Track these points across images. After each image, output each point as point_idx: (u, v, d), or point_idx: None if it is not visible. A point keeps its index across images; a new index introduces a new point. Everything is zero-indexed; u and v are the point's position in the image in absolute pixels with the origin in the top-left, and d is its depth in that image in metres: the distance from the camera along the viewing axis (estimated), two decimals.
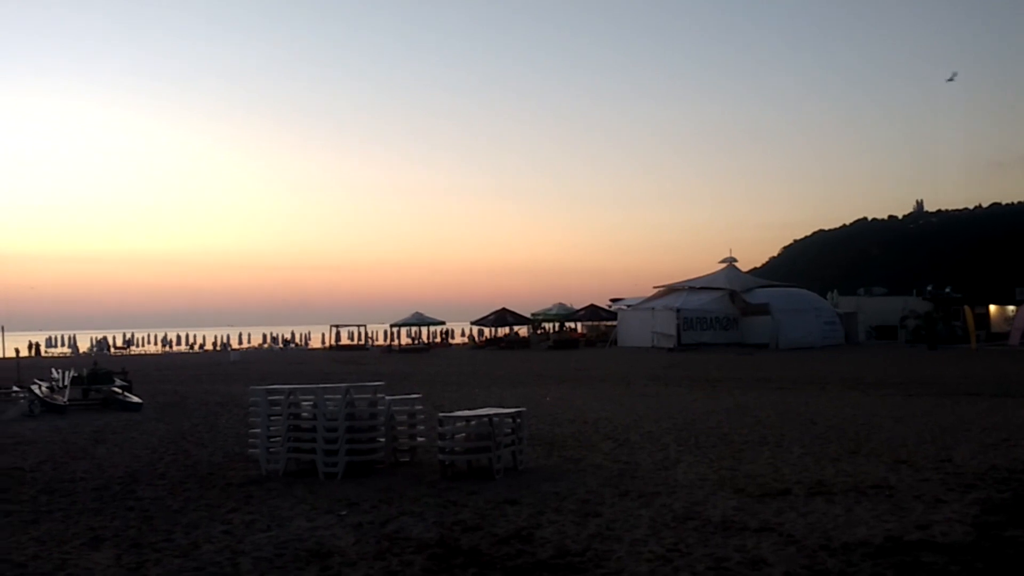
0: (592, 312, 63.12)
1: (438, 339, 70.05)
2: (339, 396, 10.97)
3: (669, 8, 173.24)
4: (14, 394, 21.52)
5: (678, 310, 49.34)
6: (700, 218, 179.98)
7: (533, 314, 65.38)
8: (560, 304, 65.72)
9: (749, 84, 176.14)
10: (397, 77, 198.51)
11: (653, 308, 52.14)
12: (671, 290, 55.57)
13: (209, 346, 74.32)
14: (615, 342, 53.12)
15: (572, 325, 65.21)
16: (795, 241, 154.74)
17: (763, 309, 49.96)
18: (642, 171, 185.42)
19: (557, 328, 64.56)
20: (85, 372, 22.56)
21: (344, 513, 8.40)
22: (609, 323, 60.03)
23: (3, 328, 31.06)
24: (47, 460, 12.34)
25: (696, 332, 48.88)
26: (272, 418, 11.13)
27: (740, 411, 17.28)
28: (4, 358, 42.34)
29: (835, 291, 64.19)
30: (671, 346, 46.92)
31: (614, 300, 65.25)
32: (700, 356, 40.70)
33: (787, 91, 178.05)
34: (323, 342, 73.23)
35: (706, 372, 30.14)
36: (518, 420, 10.95)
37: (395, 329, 66.65)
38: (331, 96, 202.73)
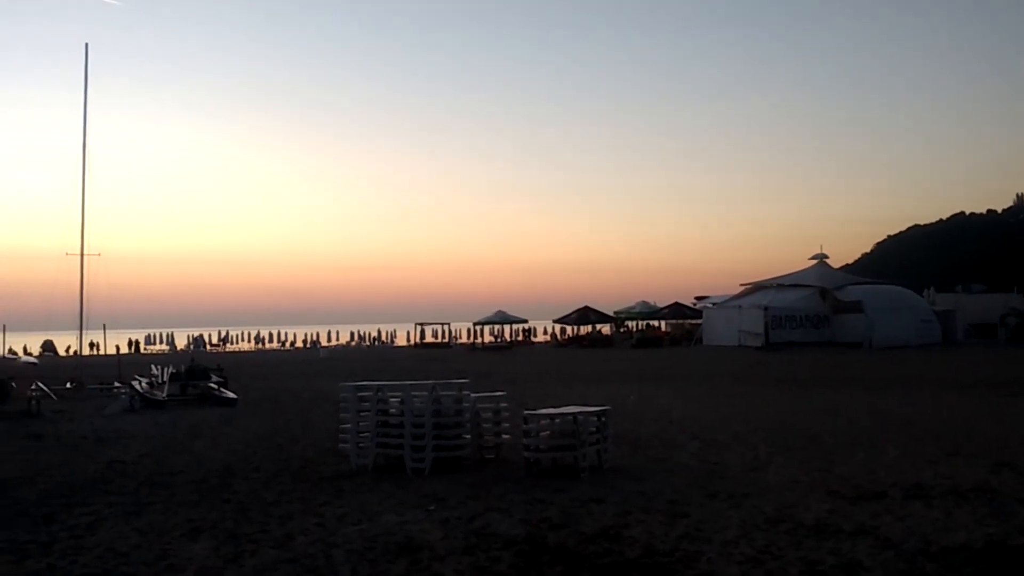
0: (676, 310, 62.37)
1: (520, 337, 70.31)
2: (426, 393, 11.12)
3: None
4: (116, 390, 22.52)
5: (766, 308, 48.32)
6: (789, 213, 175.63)
7: (616, 312, 65.01)
8: (643, 302, 65.17)
9: (841, 74, 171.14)
10: (473, 75, 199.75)
11: (740, 306, 51.22)
12: (758, 287, 54.49)
13: (299, 343, 76.24)
14: (700, 341, 52.34)
15: (656, 323, 64.60)
16: (889, 237, 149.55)
17: (856, 307, 48.51)
18: (728, 166, 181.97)
19: (640, 326, 64.04)
20: (183, 369, 23.43)
21: (432, 508, 8.50)
22: (694, 321, 59.17)
23: (105, 326, 32.47)
24: (148, 454, 12.85)
25: (785, 331, 47.79)
26: (361, 414, 11.36)
27: (832, 412, 16.83)
28: (106, 355, 44.22)
29: (932, 288, 61.82)
30: (759, 345, 45.97)
31: (699, 298, 64.32)
32: (789, 355, 39.77)
33: (881, 81, 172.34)
34: (408, 340, 74.37)
35: (795, 372, 29.46)
36: (603, 418, 10.90)
37: (478, 327, 67.19)
38: (413, 97, 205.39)
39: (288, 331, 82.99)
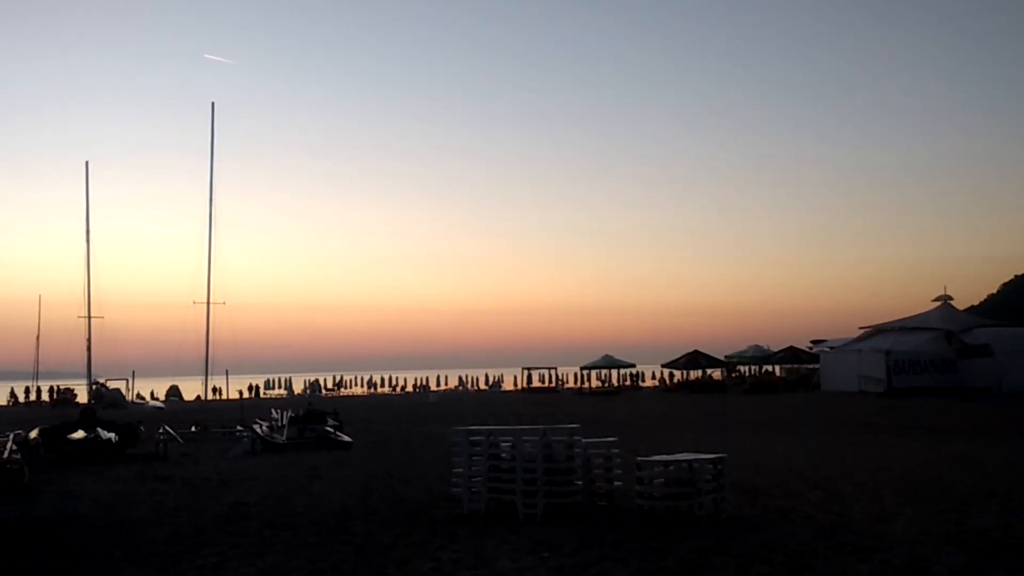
0: (791, 354, 60.50)
1: (628, 382, 69.48)
2: (537, 438, 11.11)
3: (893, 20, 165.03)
4: (238, 433, 23.35)
5: (888, 352, 46.31)
6: (910, 253, 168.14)
7: (727, 356, 63.56)
8: (756, 346, 63.55)
9: (960, 107, 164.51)
10: (581, 123, 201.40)
11: (859, 350, 49.26)
12: (879, 331, 52.34)
13: (409, 388, 77.50)
14: (818, 386, 50.52)
15: (770, 368, 62.81)
16: (1016, 277, 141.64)
17: (984, 351, 45.95)
18: (843, 205, 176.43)
19: (753, 371, 62.38)
20: (301, 413, 24.15)
21: (546, 555, 8.45)
22: (810, 366, 57.22)
23: (227, 371, 33.91)
24: (269, 495, 13.24)
25: (909, 376, 45.63)
26: (473, 459, 11.44)
27: (962, 460, 15.95)
28: (228, 399, 45.98)
29: None
30: (881, 391, 44.01)
31: (815, 342, 62.21)
32: (914, 402, 37.92)
33: (1007, 114, 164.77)
34: (515, 384, 74.54)
35: (921, 419, 28.07)
36: (719, 466, 10.64)
37: (585, 372, 66.79)
38: (521, 145, 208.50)
39: (399, 376, 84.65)
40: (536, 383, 70.56)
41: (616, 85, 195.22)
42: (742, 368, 63.69)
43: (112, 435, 20.02)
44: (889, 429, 24.19)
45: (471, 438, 11.61)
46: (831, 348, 55.96)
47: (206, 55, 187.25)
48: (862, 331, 54.36)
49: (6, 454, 15.38)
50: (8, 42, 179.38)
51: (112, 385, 55.73)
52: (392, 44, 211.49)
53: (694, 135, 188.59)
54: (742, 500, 11.61)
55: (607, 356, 64.77)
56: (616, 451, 12.01)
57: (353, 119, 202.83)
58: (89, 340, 35.02)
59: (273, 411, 25.35)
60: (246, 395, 58.49)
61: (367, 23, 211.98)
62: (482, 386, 79.78)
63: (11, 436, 17.43)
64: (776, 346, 62.32)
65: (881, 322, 53.62)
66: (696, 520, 9.91)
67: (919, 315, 52.69)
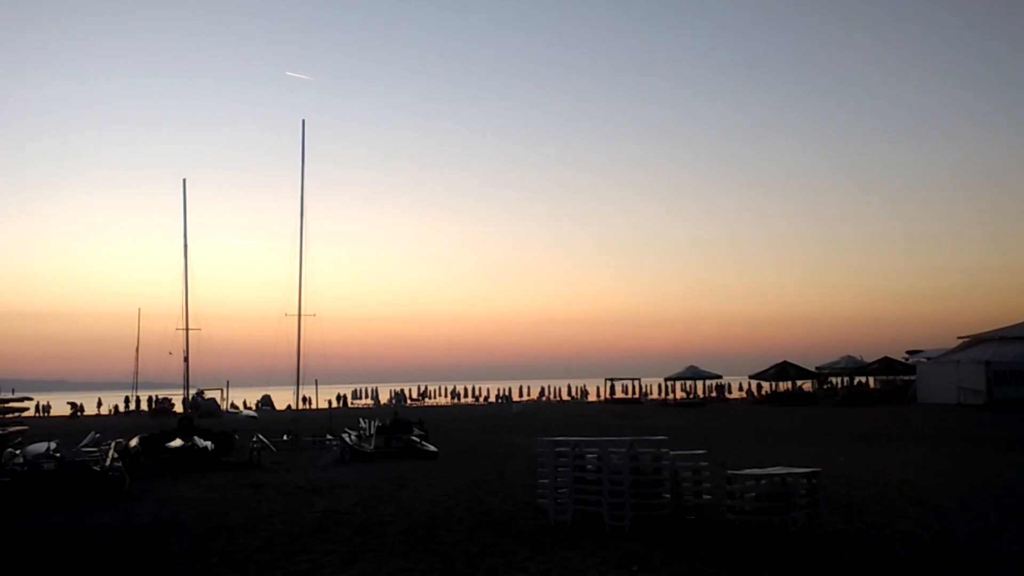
0: (886, 365, 58.46)
1: (714, 393, 68.28)
2: (623, 450, 11.00)
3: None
4: (328, 442, 23.83)
5: (988, 363, 44.43)
6: (1009, 261, 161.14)
7: (818, 367, 61.81)
8: (849, 357, 61.59)
9: None
10: (675, 131, 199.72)
11: (958, 361, 47.41)
12: (978, 340, 50.28)
13: (492, 398, 77.83)
14: (914, 398, 48.77)
15: (863, 379, 60.88)
16: None
17: None
18: (940, 211, 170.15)
19: (846, 383, 60.56)
20: (388, 422, 24.51)
21: (635, 569, 8.35)
22: (906, 377, 55.26)
23: (317, 381, 34.61)
24: (358, 503, 13.46)
25: (1010, 387, 43.63)
26: (559, 469, 11.40)
27: None
28: (318, 409, 46.95)
29: None
30: (981, 403, 42.22)
31: (911, 352, 60.08)
32: (1016, 414, 36.23)
33: None
34: (598, 395, 74.02)
35: None
36: (814, 481, 10.35)
37: (670, 383, 65.93)
38: (604, 156, 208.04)
39: (481, 386, 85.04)
40: (619, 394, 70.00)
41: (700, 96, 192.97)
42: (834, 379, 61.80)
43: (208, 443, 20.68)
44: (990, 442, 23.15)
45: (557, 449, 11.58)
46: (928, 359, 54.02)
47: (287, 72, 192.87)
48: (960, 341, 52.32)
49: (108, 462, 16.01)
50: (112, 68, 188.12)
51: (207, 395, 57.52)
52: (474, 61, 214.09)
53: (780, 143, 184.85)
54: (837, 515, 11.26)
55: (692, 367, 63.75)
56: (705, 464, 11.80)
57: (435, 134, 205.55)
58: (187, 351, 36.19)
59: (361, 421, 25.79)
60: (335, 405, 59.66)
61: (449, 42, 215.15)
62: (564, 397, 79.56)
63: (112, 444, 18.15)
64: (870, 357, 60.31)
65: (980, 332, 51.51)
66: (789, 536, 9.66)
67: (1021, 324, 50.41)
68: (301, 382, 30.55)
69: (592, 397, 75.88)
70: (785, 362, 60.08)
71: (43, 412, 60.48)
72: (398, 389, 79.04)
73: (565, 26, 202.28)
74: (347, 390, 74.13)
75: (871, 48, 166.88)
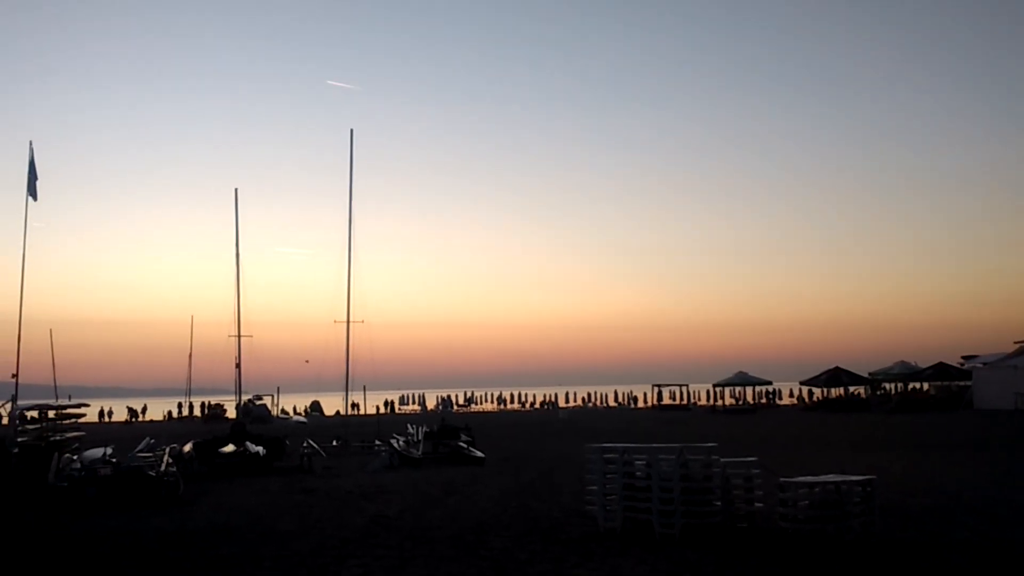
0: (941, 371, 57.18)
1: (764, 400, 67.41)
2: (673, 457, 10.90)
3: None
4: (377, 447, 24.00)
5: None
6: None
7: (871, 373, 60.68)
8: (902, 362, 60.38)
9: None
10: (717, 139, 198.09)
11: (1015, 366, 46.22)
12: None
13: (538, 404, 77.75)
14: (970, 404, 47.65)
15: (917, 385, 59.62)
16: None
17: None
18: (996, 213, 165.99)
19: (900, 389, 59.35)
20: (435, 428, 24.62)
21: None
22: (961, 383, 54.02)
23: (365, 387, 34.92)
24: (408, 509, 13.53)
25: None
26: (607, 476, 11.33)
27: None
28: (366, 415, 47.33)
29: None
30: None
31: (966, 357, 58.63)
32: None
33: None
34: (645, 402, 73.54)
35: None
36: (868, 488, 10.15)
37: (718, 389, 65.24)
38: (653, 163, 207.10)
39: (527, 392, 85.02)
40: (667, 400, 69.48)
41: (746, 100, 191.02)
42: (887, 385, 60.59)
43: (260, 449, 20.96)
44: None
45: (605, 456, 11.51)
46: (984, 364, 52.70)
47: (329, 81, 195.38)
48: (1017, 346, 50.96)
49: (163, 467, 16.31)
50: (165, 83, 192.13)
51: (258, 402, 58.34)
52: (513, 73, 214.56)
53: (831, 148, 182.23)
54: (892, 524, 11.02)
55: (741, 373, 63.06)
56: (756, 471, 11.64)
57: (482, 141, 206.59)
58: (239, 358, 36.77)
59: (409, 426, 25.95)
60: (382, 410, 60.12)
61: (486, 53, 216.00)
62: (611, 403, 79.19)
63: (167, 450, 18.48)
64: (924, 362, 59.05)
65: None
66: (844, 544, 9.48)
67: None
68: (350, 388, 30.87)
69: (640, 403, 75.41)
70: (837, 368, 59.08)
71: (107, 417, 62.24)
72: (444, 395, 79.36)
73: (593, 41, 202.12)
74: (394, 396, 74.67)
75: (921, 50, 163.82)
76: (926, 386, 59.23)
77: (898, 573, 8.29)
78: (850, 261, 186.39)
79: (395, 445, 22.25)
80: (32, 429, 20.90)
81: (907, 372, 58.99)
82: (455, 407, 74.01)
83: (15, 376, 21.42)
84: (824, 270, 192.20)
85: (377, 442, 24.78)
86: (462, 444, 22.97)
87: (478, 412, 68.49)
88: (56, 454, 16.86)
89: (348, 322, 30.01)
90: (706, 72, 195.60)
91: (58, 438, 20.42)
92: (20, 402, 21.52)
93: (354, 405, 50.20)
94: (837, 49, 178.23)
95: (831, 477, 10.64)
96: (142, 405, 66.85)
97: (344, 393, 31.59)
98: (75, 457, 17.48)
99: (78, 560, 10.04)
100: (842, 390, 60.20)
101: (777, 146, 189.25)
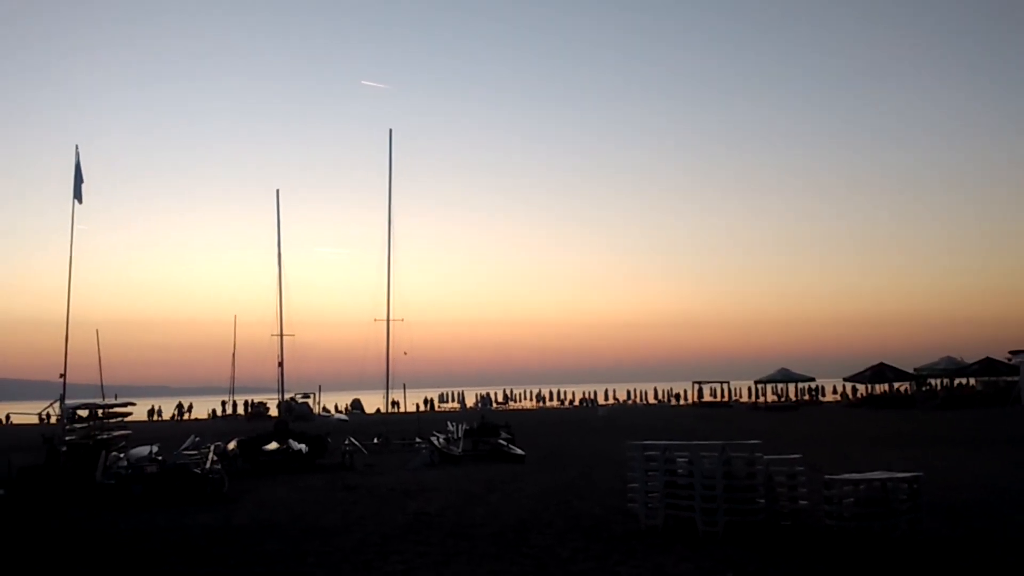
0: (987, 366, 56.02)
1: (807, 396, 66.58)
2: (715, 454, 10.81)
3: None
4: (417, 444, 24.13)
5: None
6: None
7: (916, 369, 59.62)
8: (948, 357, 59.25)
9: None
10: (759, 136, 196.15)
11: None
12: None
13: (577, 402, 77.59)
14: (1018, 399, 46.59)
15: (964, 381, 58.50)
16: None
17: None
18: None
19: (946, 384, 58.29)
20: (475, 426, 24.68)
21: (730, 574, 8.19)
22: (1009, 378, 52.86)
23: (404, 385, 35.09)
24: (449, 506, 13.58)
25: None
26: (649, 474, 11.27)
27: None
28: (406, 412, 47.60)
29: None
30: None
31: (1014, 352, 57.29)
32: None
33: None
34: (685, 399, 73.09)
35: None
36: (915, 486, 9.98)
37: (760, 385, 64.60)
38: (690, 158, 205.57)
39: (567, 389, 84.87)
40: (707, 397, 68.96)
41: (787, 94, 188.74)
42: (933, 381, 59.54)
43: (303, 446, 21.18)
44: None
45: (646, 453, 11.45)
46: None
47: (363, 82, 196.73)
48: None
49: (208, 465, 16.55)
50: (206, 85, 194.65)
51: (300, 399, 58.94)
52: (548, 73, 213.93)
53: (871, 142, 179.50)
54: (940, 521, 10.82)
55: (783, 369, 62.35)
56: (800, 468, 11.49)
57: (519, 139, 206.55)
58: (281, 356, 37.18)
59: (449, 424, 26.04)
60: (422, 408, 60.40)
61: (525, 48, 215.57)
62: (651, 400, 78.76)
63: (212, 447, 18.75)
64: (971, 357, 57.87)
65: None
66: (890, 542, 9.33)
67: None
68: (390, 386, 31.05)
69: (680, 401, 74.92)
70: (882, 364, 58.15)
71: (157, 416, 63.57)
72: (483, 393, 79.49)
73: (631, 38, 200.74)
74: (434, 394, 74.96)
75: (959, 45, 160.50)
76: (972, 381, 58.10)
77: (946, 571, 8.14)
78: (895, 255, 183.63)
79: (435, 443, 22.35)
80: (80, 428, 21.35)
81: (953, 367, 57.86)
82: (494, 405, 74.12)
83: (63, 376, 21.85)
84: (868, 265, 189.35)
85: (418, 439, 24.91)
86: (502, 442, 22.99)
87: (517, 410, 68.52)
88: (103, 452, 17.20)
89: (388, 320, 30.19)
90: (747, 69, 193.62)
91: (105, 436, 20.84)
92: (68, 401, 21.99)
93: (394, 403, 50.67)
94: (877, 41, 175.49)
95: (877, 474, 10.47)
96: (188, 403, 67.95)
97: (384, 391, 31.77)
98: (122, 455, 17.79)
99: (126, 556, 10.22)
100: (887, 386, 59.27)
101: (818, 141, 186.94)
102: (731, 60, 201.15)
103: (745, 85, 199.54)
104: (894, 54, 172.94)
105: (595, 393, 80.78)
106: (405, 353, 30.87)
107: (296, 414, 50.81)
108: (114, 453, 18.10)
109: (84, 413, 22.13)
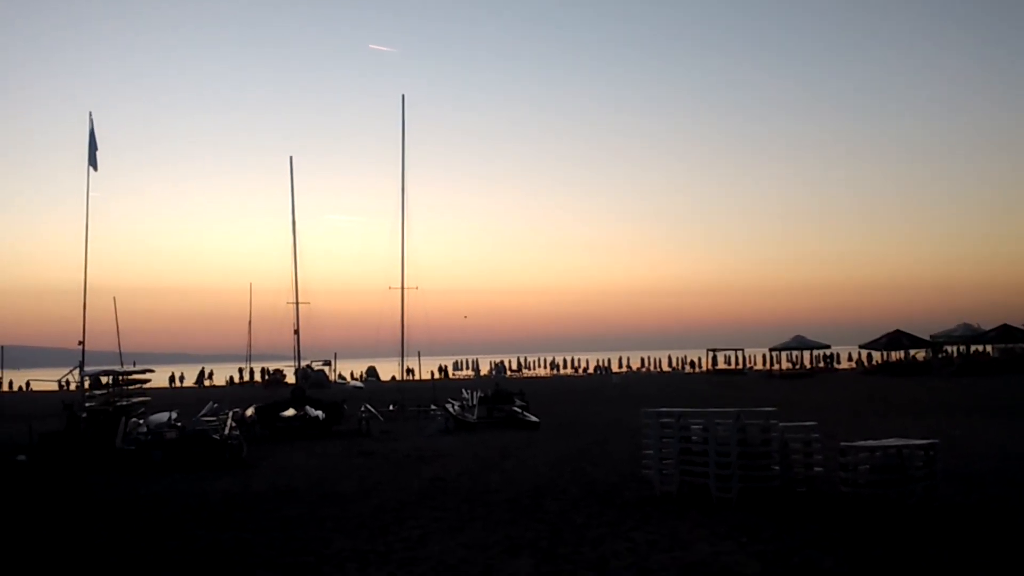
0: (1005, 333, 55.64)
1: (822, 364, 66.44)
2: (730, 421, 10.81)
3: None
4: (432, 412, 24.27)
5: None
6: None
7: (933, 336, 59.31)
8: (965, 324, 58.87)
9: None
10: (771, 104, 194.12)
11: None
12: None
13: (591, 370, 77.76)
14: None
15: (980, 348, 58.19)
16: None
17: None
18: None
19: (962, 351, 58.00)
20: (490, 393, 24.79)
21: (744, 540, 8.22)
22: None
23: (419, 353, 35.26)
24: (464, 472, 13.69)
25: None
26: (663, 440, 11.30)
27: None
28: (421, 380, 47.86)
29: None
30: None
31: None
32: None
33: None
34: (699, 366, 73.12)
35: None
36: (931, 453, 9.96)
37: (775, 353, 64.52)
38: (700, 125, 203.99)
39: (580, 357, 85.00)
40: (721, 365, 68.96)
41: (806, 61, 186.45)
42: (949, 348, 59.21)
43: (319, 413, 21.37)
44: None
45: (661, 420, 11.47)
46: None
47: (371, 46, 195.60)
48: None
49: (227, 431, 16.71)
50: (218, 52, 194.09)
51: (316, 367, 59.31)
52: (563, 39, 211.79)
53: (888, 108, 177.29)
54: (955, 489, 10.81)
55: (798, 337, 62.15)
56: (815, 436, 11.48)
57: (534, 107, 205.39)
58: (297, 324, 37.33)
59: (464, 391, 26.18)
60: (437, 376, 60.69)
61: (536, 15, 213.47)
62: (665, 368, 78.83)
63: (230, 414, 18.93)
64: (988, 324, 57.49)
65: None
66: (906, 509, 9.33)
67: None
68: (405, 353, 31.17)
69: (694, 368, 74.96)
70: (898, 331, 57.90)
71: (179, 382, 64.34)
72: (498, 360, 79.71)
73: (641, 5, 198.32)
74: (448, 361, 75.22)
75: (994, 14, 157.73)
76: (989, 348, 57.79)
77: (961, 538, 8.14)
78: (911, 221, 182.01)
79: (450, 410, 22.48)
80: (100, 395, 21.59)
81: (970, 334, 57.52)
82: (508, 372, 74.36)
83: (81, 343, 22.08)
84: (884, 231, 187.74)
85: (433, 407, 25.05)
86: (516, 409, 23.10)
87: (531, 377, 68.74)
88: (123, 418, 17.40)
89: (403, 288, 30.20)
90: (752, 35, 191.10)
91: (125, 403, 21.06)
92: (87, 368, 22.22)
93: (409, 371, 50.93)
94: (885, 12, 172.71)
95: (892, 441, 10.47)
96: (209, 371, 68.70)
97: (400, 359, 31.90)
98: (141, 421, 18.00)
99: (146, 521, 10.36)
100: (902, 353, 59.09)
101: (827, 108, 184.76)
102: (744, 28, 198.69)
103: (756, 52, 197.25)
104: (910, 22, 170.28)
105: (609, 361, 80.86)
106: (465, 316, 30.81)
107: (312, 381, 51.14)
108: (134, 419, 18.29)
109: (108, 380, 22.36)
